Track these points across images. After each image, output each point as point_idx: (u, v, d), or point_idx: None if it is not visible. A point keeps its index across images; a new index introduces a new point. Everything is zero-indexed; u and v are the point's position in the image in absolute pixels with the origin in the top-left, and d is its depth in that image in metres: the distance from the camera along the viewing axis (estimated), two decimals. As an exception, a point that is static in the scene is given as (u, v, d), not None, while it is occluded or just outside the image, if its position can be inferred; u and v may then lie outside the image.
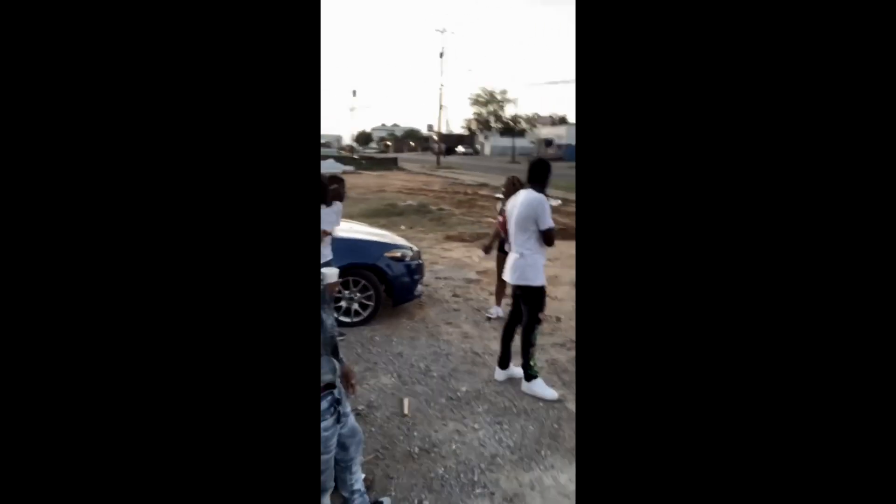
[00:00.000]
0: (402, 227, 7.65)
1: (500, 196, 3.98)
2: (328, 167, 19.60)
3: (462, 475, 2.02)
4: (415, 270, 3.81)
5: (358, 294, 3.63)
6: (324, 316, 1.36)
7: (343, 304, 3.59)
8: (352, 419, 1.57)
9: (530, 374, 2.69)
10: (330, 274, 1.72)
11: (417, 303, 4.12)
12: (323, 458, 1.39)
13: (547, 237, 2.57)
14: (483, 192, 13.72)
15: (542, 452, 2.19)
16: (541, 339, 2.78)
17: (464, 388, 2.77)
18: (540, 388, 2.67)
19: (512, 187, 3.54)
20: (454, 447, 2.21)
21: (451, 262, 5.78)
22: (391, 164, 27.10)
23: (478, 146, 52.89)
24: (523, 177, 3.13)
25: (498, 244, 3.77)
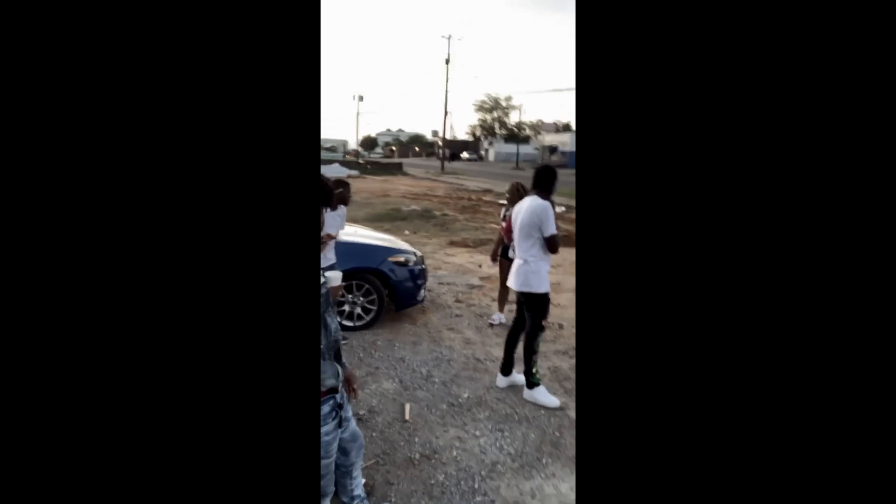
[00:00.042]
0: (406, 232, 7.67)
1: (504, 202, 3.98)
2: (334, 171, 19.69)
3: (462, 482, 2.01)
4: (418, 275, 3.81)
5: (361, 298, 3.64)
6: (328, 319, 1.37)
7: (346, 307, 3.59)
8: (353, 424, 1.57)
9: (532, 382, 2.68)
10: (334, 277, 1.73)
11: (420, 308, 4.12)
12: (323, 462, 1.38)
13: (551, 244, 2.57)
14: (487, 197, 13.74)
15: (544, 460, 2.17)
16: (543, 347, 2.77)
17: (465, 395, 2.76)
18: (542, 395, 2.66)
19: (516, 193, 3.54)
20: (455, 454, 2.20)
21: (454, 267, 5.78)
22: (396, 169, 27.19)
23: (482, 152, 53.02)
24: (527, 183, 3.13)
25: (501, 250, 3.77)
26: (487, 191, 15.88)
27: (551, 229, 2.54)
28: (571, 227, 7.81)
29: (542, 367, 2.82)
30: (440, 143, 40.09)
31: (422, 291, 3.90)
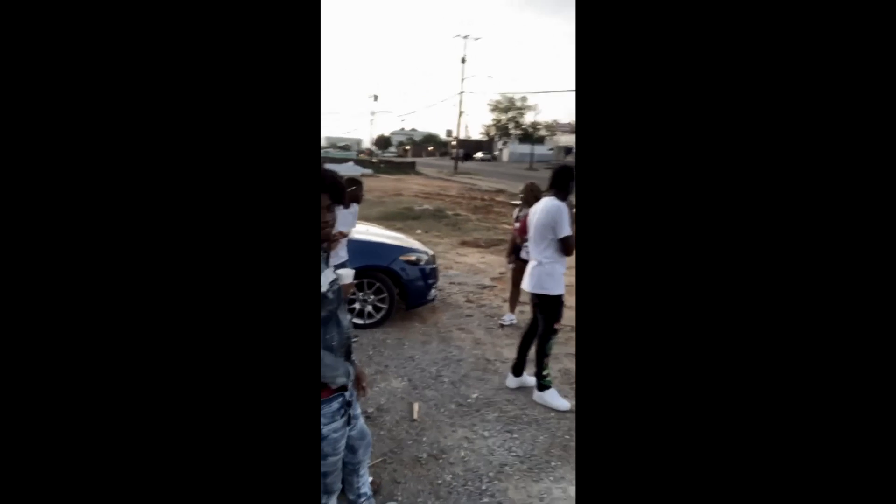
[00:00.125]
0: (418, 231, 7.68)
1: (517, 203, 3.96)
2: (348, 170, 19.83)
3: (470, 483, 2.00)
4: (429, 275, 3.81)
5: (372, 296, 3.65)
6: (340, 316, 1.37)
7: (357, 305, 3.61)
8: (361, 422, 1.56)
9: (543, 384, 2.65)
10: (345, 275, 1.73)
11: (430, 307, 4.11)
12: (331, 459, 1.39)
13: (565, 246, 2.54)
14: (500, 198, 13.69)
15: (552, 463, 2.15)
16: (555, 349, 2.75)
17: (474, 395, 2.74)
18: (552, 398, 2.64)
19: (530, 194, 3.52)
20: (463, 454, 2.19)
21: (465, 267, 5.77)
22: (409, 169, 27.28)
23: (496, 152, 52.87)
24: (542, 184, 3.11)
25: (514, 251, 3.75)
26: (500, 191, 15.82)
27: (566, 231, 2.51)
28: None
29: (553, 369, 2.80)
30: (454, 142, 40.09)
31: (432, 291, 3.89)
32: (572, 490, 1.99)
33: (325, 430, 1.34)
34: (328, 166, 1.36)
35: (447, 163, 37.22)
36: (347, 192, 1.38)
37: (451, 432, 2.36)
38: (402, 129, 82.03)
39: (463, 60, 32.53)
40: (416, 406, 2.58)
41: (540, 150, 40.04)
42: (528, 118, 36.16)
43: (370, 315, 3.66)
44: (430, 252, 4.03)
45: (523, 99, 36.03)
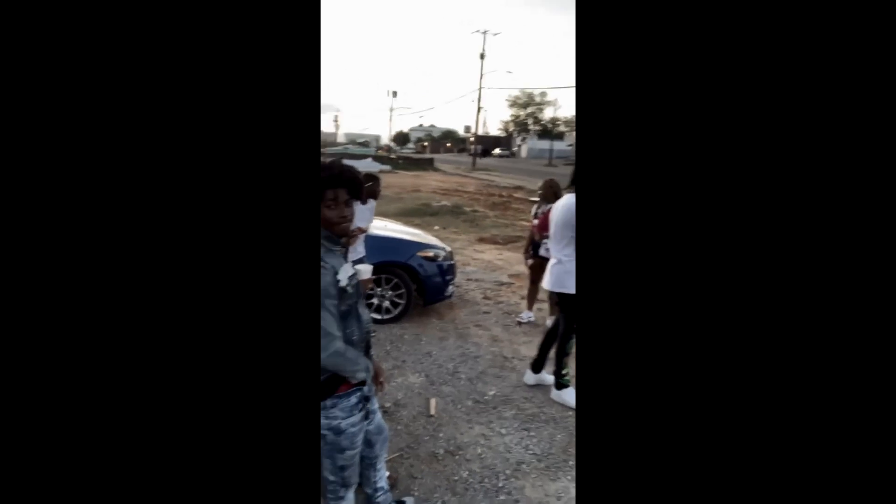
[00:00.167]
0: (436, 228, 7.68)
1: (536, 199, 3.92)
2: (366, 166, 19.96)
3: (486, 480, 2.00)
4: (447, 271, 3.80)
5: (389, 292, 3.66)
6: (360, 311, 1.37)
7: (374, 301, 3.63)
8: (379, 416, 1.57)
9: (561, 383, 2.63)
10: (364, 270, 1.74)
11: (448, 303, 4.11)
12: (349, 453, 1.40)
13: (584, 243, 2.50)
14: (518, 194, 13.60)
15: (570, 462, 2.13)
16: (574, 348, 2.72)
17: (491, 392, 2.73)
18: (570, 397, 2.61)
19: (549, 190, 3.48)
20: (479, 451, 2.19)
21: (483, 264, 5.75)
22: (427, 165, 27.30)
23: (514, 148, 52.48)
24: (561, 180, 3.07)
25: (532, 248, 3.72)
26: (519, 187, 15.71)
27: (585, 228, 2.47)
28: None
29: (571, 368, 2.77)
30: (472, 138, 39.95)
31: (450, 287, 3.89)
32: (590, 490, 1.96)
33: (343, 424, 1.35)
34: (346, 162, 1.36)
35: (465, 159, 37.13)
36: (365, 187, 1.38)
37: (468, 429, 2.36)
38: (421, 126, 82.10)
39: (482, 56, 32.32)
40: (433, 402, 2.58)
41: (559, 146, 39.55)
42: (548, 114, 35.80)
43: (387, 311, 3.67)
44: (448, 248, 4.03)
45: (542, 94, 35.70)
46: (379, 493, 1.66)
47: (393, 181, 15.39)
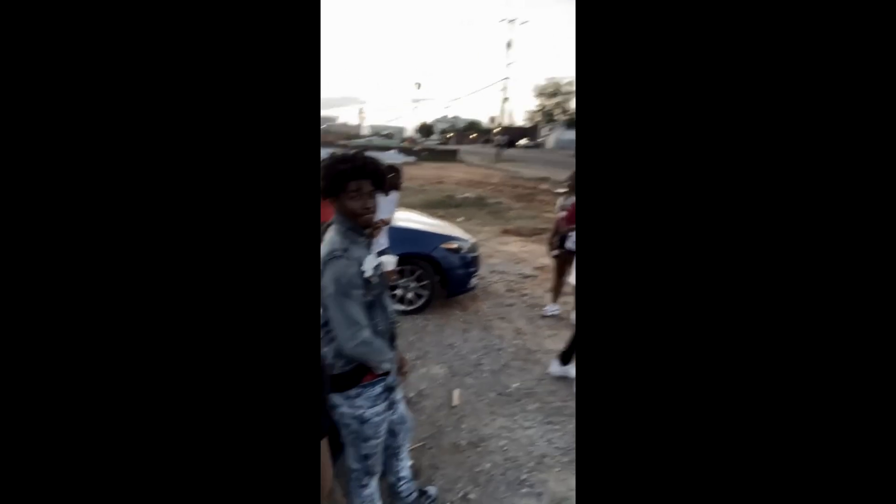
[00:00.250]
0: (460, 220, 7.66)
1: (562, 191, 3.85)
2: (390, 158, 20.06)
3: (509, 472, 1.99)
4: (470, 263, 3.79)
5: (413, 283, 3.68)
6: (385, 301, 1.38)
7: (398, 291, 3.65)
8: (402, 406, 1.58)
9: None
10: (388, 261, 1.75)
11: (471, 295, 4.10)
12: (372, 442, 1.41)
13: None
14: (544, 186, 13.41)
15: (594, 458, 2.10)
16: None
17: (515, 385, 2.72)
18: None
19: (576, 182, 3.41)
20: (502, 443, 2.18)
21: (507, 256, 5.70)
22: (451, 156, 27.20)
23: (540, 139, 51.68)
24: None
25: (558, 241, 3.66)
26: (544, 179, 15.48)
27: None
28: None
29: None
30: (497, 129, 39.53)
31: (473, 279, 3.88)
32: (615, 486, 1.94)
33: (367, 413, 1.36)
34: (370, 154, 1.36)
35: (490, 150, 36.81)
36: (387, 178, 1.38)
37: (491, 421, 2.36)
38: (445, 117, 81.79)
39: (508, 45, 31.84)
40: (456, 393, 2.59)
41: (586, 136, 38.54)
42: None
43: (410, 301, 3.69)
44: (472, 240, 4.01)
45: (570, 83, 34.91)
46: (402, 482, 1.68)
47: (416, 173, 15.42)
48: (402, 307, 3.64)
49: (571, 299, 3.78)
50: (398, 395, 1.54)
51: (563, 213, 3.49)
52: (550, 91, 35.67)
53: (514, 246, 6.25)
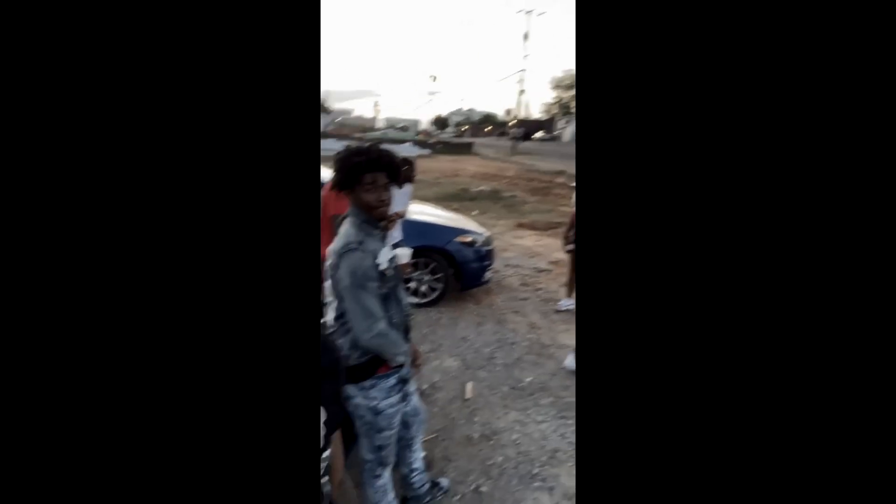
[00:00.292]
0: (474, 213, 7.63)
1: (578, 184, 3.80)
2: (405, 150, 20.07)
3: (521, 466, 2.00)
4: (484, 256, 3.78)
5: (427, 276, 3.68)
6: (399, 294, 1.38)
7: (413, 284, 3.66)
8: (415, 398, 1.59)
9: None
10: (403, 254, 1.75)
11: (485, 289, 4.10)
12: (386, 434, 1.42)
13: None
14: (559, 179, 13.27)
15: (608, 454, 2.09)
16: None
17: (528, 379, 2.71)
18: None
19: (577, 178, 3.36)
20: (515, 437, 2.19)
21: (521, 250, 5.67)
22: (466, 149, 27.08)
23: (556, 132, 51.06)
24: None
25: (573, 235, 3.62)
26: (560, 172, 15.32)
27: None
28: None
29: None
30: (512, 122, 39.17)
31: (487, 273, 3.87)
32: (628, 482, 1.92)
33: (381, 405, 1.37)
34: (384, 146, 1.36)
35: (506, 143, 36.51)
36: (402, 171, 1.37)
37: (504, 414, 2.36)
38: (460, 110, 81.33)
39: (525, 37, 31.43)
40: (469, 386, 2.59)
41: (603, 129, 37.96)
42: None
43: (424, 294, 3.70)
44: (486, 233, 3.99)
45: (587, 75, 34.26)
46: (415, 474, 1.69)
47: (431, 166, 15.39)
48: (416, 300, 3.66)
49: (586, 294, 3.74)
50: (412, 386, 1.55)
51: (579, 207, 3.46)
52: (567, 83, 35.16)
53: (529, 240, 6.21)
